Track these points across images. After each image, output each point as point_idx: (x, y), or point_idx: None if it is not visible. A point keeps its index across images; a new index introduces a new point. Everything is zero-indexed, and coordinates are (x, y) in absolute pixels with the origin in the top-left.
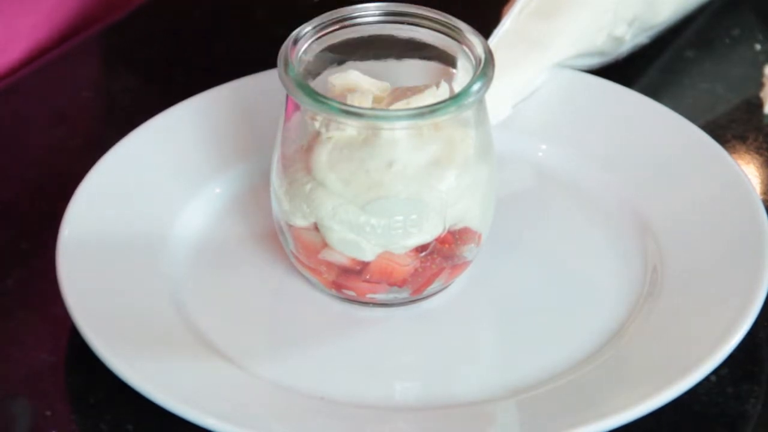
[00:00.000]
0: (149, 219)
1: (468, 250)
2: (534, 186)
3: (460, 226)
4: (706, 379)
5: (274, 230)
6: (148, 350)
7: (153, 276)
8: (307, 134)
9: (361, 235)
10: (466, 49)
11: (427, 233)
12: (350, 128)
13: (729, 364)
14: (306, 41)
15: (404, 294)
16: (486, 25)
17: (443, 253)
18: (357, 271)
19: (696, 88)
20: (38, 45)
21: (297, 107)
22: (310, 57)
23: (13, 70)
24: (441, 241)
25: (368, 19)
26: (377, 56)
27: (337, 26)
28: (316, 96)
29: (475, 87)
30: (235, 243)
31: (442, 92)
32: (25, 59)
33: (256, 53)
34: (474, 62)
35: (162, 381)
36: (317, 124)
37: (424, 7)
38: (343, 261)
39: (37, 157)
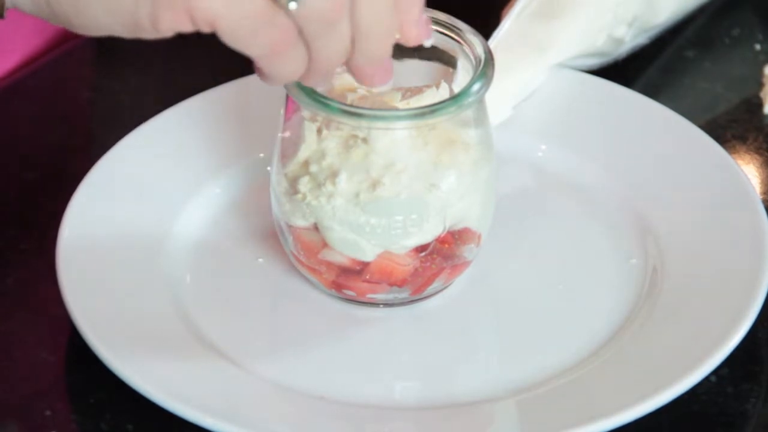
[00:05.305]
0: (149, 219)
1: (468, 250)
2: (534, 186)
3: (460, 226)
4: (706, 379)
5: (274, 230)
6: (148, 350)
7: (153, 276)
8: (307, 134)
9: (361, 235)
10: (466, 49)
11: (427, 233)
12: (350, 128)
13: (729, 364)
14: None
15: (404, 294)
16: (486, 26)
17: (443, 253)
18: (357, 271)
19: (696, 88)
20: (35, 52)
21: (297, 107)
22: None
23: (10, 74)
24: (441, 241)
25: None
26: None
27: None
28: (316, 96)
29: (475, 87)
30: (235, 243)
31: (442, 92)
32: (21, 65)
33: None
34: (474, 62)
35: (162, 381)
36: (317, 124)
37: (425, 8)
38: (343, 261)
39: (37, 157)
